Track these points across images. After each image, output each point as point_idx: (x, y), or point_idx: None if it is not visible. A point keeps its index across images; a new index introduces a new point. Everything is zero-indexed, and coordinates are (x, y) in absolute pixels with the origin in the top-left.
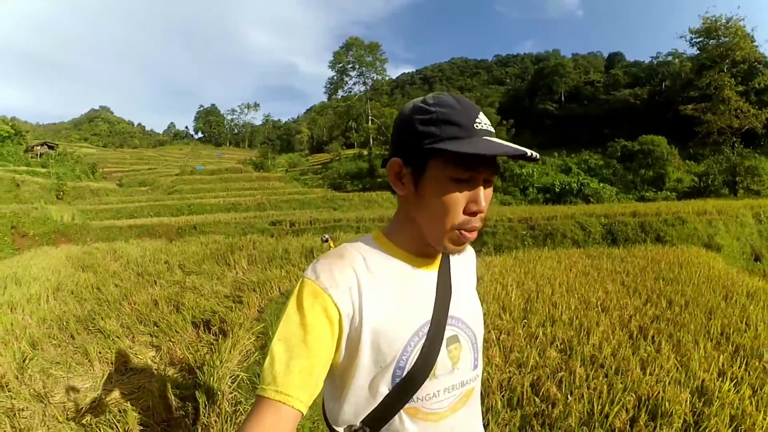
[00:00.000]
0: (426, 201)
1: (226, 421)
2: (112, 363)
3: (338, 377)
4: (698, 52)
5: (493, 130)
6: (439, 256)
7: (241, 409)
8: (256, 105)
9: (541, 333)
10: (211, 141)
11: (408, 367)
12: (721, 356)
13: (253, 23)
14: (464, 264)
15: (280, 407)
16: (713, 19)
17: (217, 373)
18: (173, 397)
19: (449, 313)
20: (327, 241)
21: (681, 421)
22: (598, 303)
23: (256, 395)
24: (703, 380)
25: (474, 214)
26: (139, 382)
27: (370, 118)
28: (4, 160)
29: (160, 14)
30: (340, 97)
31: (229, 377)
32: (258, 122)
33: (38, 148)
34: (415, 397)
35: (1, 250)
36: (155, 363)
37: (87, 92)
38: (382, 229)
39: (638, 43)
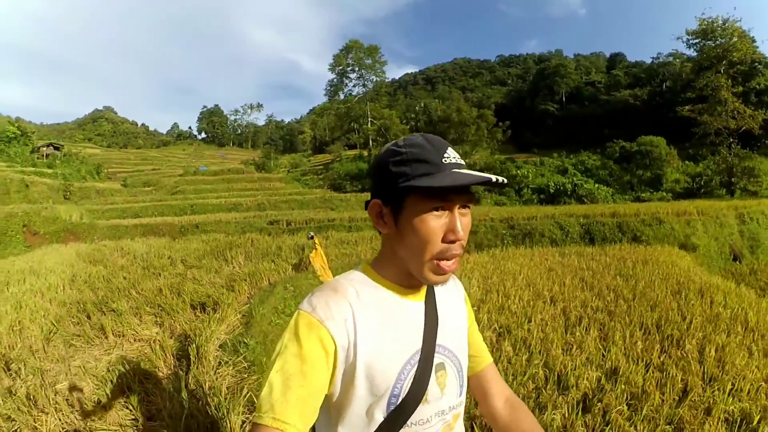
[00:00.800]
0: (406, 235)
1: (213, 372)
2: (123, 335)
3: (333, 406)
4: (695, 53)
5: (462, 162)
6: (425, 287)
7: (223, 366)
8: (259, 105)
9: (486, 319)
10: (215, 141)
11: (402, 395)
12: (641, 343)
13: (257, 22)
14: (450, 293)
15: None
16: (710, 20)
17: (206, 336)
18: (171, 357)
19: (437, 342)
20: (312, 238)
21: (581, 393)
22: (549, 296)
23: (253, 423)
24: (618, 363)
25: (452, 242)
26: (145, 350)
27: (369, 119)
28: (11, 160)
29: (163, 13)
30: (340, 98)
31: (216, 341)
32: (261, 122)
33: (44, 149)
34: (408, 422)
35: (14, 247)
36: (159, 336)
37: (91, 92)
38: (370, 263)
39: (640, 43)
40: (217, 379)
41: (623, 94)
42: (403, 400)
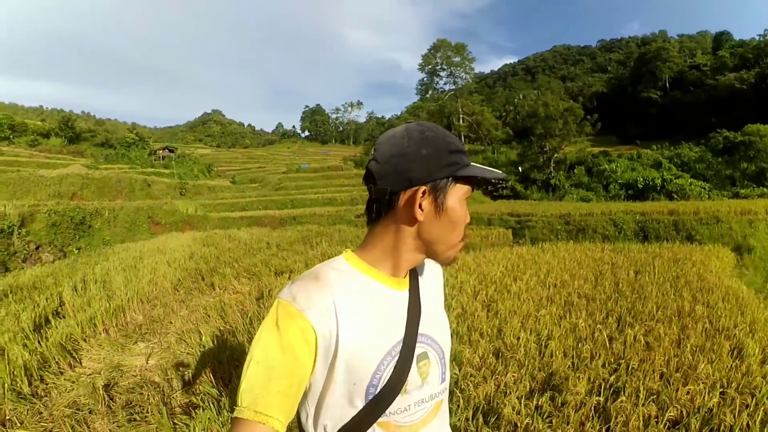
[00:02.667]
0: (445, 222)
1: None
2: (225, 289)
3: (313, 394)
4: None
5: None
6: (408, 276)
7: None
8: (359, 103)
9: (484, 294)
10: (318, 139)
11: (381, 385)
12: (606, 330)
13: (354, 23)
14: (432, 281)
15: (259, 427)
16: None
17: (275, 287)
18: (254, 300)
19: (419, 331)
20: None
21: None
22: (556, 284)
23: (233, 417)
24: (550, 332)
25: (467, 225)
26: (239, 297)
27: (461, 116)
28: (132, 163)
29: (264, 20)
30: (431, 97)
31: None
32: (362, 120)
33: (160, 151)
34: (387, 411)
35: (141, 234)
36: (248, 289)
37: (199, 97)
38: (355, 250)
39: (749, 18)
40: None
41: (728, 78)
42: (381, 390)
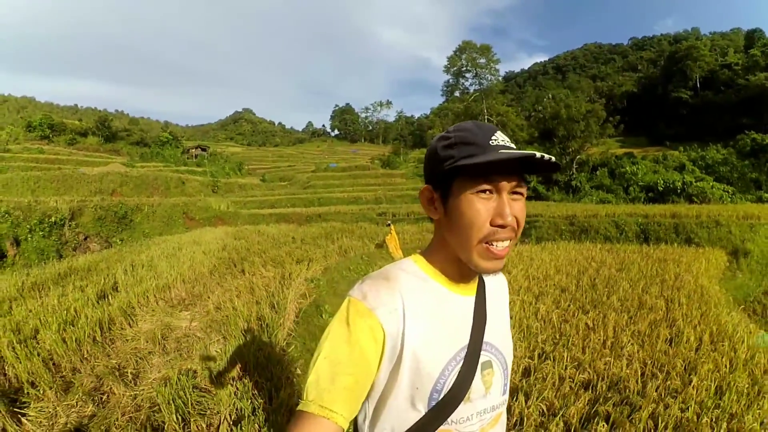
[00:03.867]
0: (455, 219)
1: (296, 286)
2: (254, 274)
3: (376, 395)
4: None
5: (512, 145)
6: (476, 282)
7: (302, 283)
8: (389, 102)
9: None
10: (347, 138)
11: (445, 391)
12: (562, 314)
13: (384, 22)
14: (498, 291)
15: (323, 422)
16: None
17: (297, 273)
18: (279, 283)
19: (484, 339)
20: (389, 225)
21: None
22: (539, 276)
23: (298, 410)
24: (533, 324)
25: (501, 226)
26: (266, 281)
27: (486, 117)
28: (166, 161)
29: (295, 19)
30: (457, 98)
31: (303, 277)
32: (391, 119)
33: (193, 150)
34: (449, 419)
35: (177, 228)
36: (273, 274)
37: (231, 96)
38: (422, 252)
39: None
40: (290, 294)
41: (759, 78)
42: (445, 395)
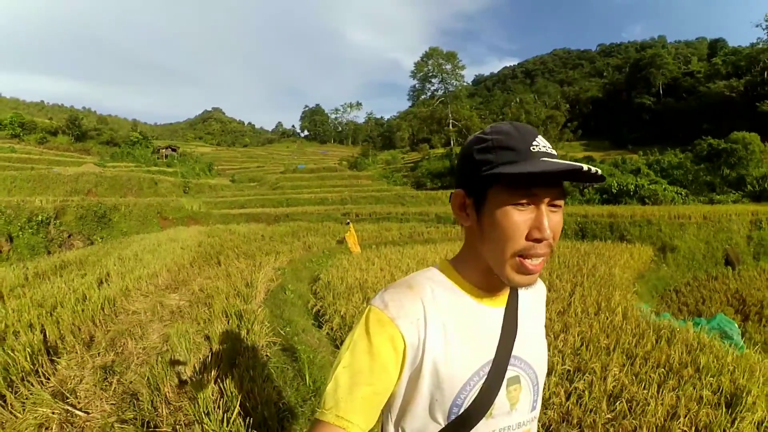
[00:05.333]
0: (488, 229)
1: (264, 274)
2: (228, 265)
3: (396, 401)
4: None
5: (553, 152)
6: (507, 292)
7: (270, 271)
8: (359, 104)
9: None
10: (317, 139)
11: (465, 406)
12: None
13: (356, 23)
14: (534, 301)
15: None
16: None
17: (266, 263)
18: (250, 270)
19: (513, 353)
20: (348, 223)
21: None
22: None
23: (315, 418)
24: None
25: (537, 240)
26: (240, 268)
27: (451, 121)
28: (137, 161)
29: (266, 19)
30: (422, 102)
31: (270, 267)
32: (361, 120)
33: (164, 150)
34: None
35: (152, 227)
36: (246, 265)
37: (200, 95)
38: (450, 260)
39: (744, 25)
40: (260, 278)
41: (718, 86)
42: (465, 410)
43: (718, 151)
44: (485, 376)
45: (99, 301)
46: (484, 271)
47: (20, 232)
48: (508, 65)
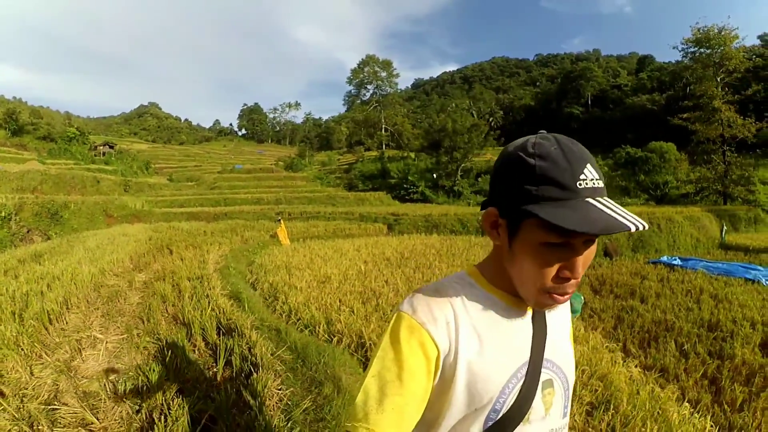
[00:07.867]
0: (518, 259)
1: (205, 260)
2: (178, 254)
3: (427, 415)
4: (691, 62)
5: (600, 186)
6: None
7: (215, 257)
8: (297, 104)
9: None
10: (254, 138)
11: (504, 410)
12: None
13: (302, 20)
14: (560, 306)
15: None
16: (704, 29)
17: (210, 250)
18: (195, 259)
19: (545, 356)
20: (279, 220)
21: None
22: (360, 249)
23: (346, 431)
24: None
25: (567, 279)
26: (189, 256)
27: (384, 126)
28: (75, 158)
29: (209, 11)
30: (357, 107)
31: (215, 254)
32: (299, 120)
33: (101, 147)
34: None
35: (99, 224)
36: (193, 254)
37: (136, 88)
38: (477, 266)
39: (671, 43)
40: (209, 260)
41: (642, 99)
42: (503, 416)
43: (635, 158)
44: (523, 378)
45: (88, 277)
46: (510, 280)
47: None
48: (447, 70)
